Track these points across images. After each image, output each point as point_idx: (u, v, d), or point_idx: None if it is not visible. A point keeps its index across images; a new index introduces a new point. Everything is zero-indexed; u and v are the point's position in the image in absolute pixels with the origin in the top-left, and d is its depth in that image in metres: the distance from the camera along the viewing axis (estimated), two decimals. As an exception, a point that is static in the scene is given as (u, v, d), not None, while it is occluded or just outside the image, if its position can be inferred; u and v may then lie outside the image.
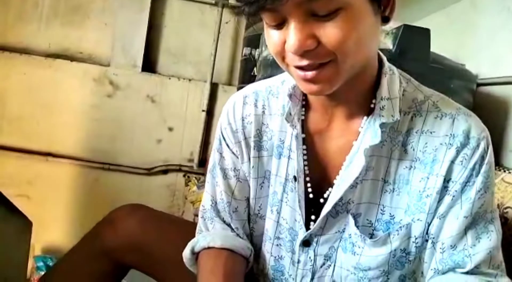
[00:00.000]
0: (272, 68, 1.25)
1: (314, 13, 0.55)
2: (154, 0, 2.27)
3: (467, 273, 0.66)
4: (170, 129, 2.31)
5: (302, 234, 0.75)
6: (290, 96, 0.73)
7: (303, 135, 0.75)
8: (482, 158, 0.66)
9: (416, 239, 0.70)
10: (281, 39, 0.59)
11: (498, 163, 1.23)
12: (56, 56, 2.23)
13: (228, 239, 0.80)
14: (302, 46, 0.56)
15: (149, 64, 2.33)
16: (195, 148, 2.33)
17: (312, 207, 0.75)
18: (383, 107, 0.68)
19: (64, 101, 2.22)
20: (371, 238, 0.71)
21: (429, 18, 1.78)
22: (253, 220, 0.83)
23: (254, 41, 1.65)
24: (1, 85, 2.18)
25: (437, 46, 1.21)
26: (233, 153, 0.81)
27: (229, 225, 0.83)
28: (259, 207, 0.82)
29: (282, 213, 0.78)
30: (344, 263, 0.74)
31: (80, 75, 2.22)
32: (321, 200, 0.74)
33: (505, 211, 1.04)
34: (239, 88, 0.91)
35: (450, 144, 0.67)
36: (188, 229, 0.90)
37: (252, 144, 0.79)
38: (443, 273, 0.68)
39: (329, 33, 0.56)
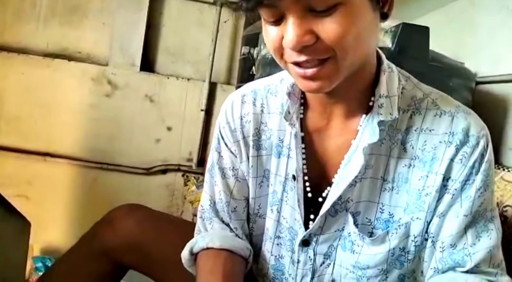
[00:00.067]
0: (271, 67, 1.25)
1: (312, 9, 0.55)
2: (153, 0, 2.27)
3: (467, 272, 0.66)
4: (169, 129, 2.31)
5: (301, 233, 0.74)
6: (289, 94, 0.72)
7: (302, 134, 0.75)
8: (482, 156, 0.66)
9: (415, 238, 0.69)
10: (279, 35, 0.59)
11: (497, 161, 1.23)
12: (54, 56, 2.23)
13: (227, 240, 0.79)
14: (300, 42, 0.56)
15: (148, 64, 2.32)
16: (194, 148, 2.32)
17: (311, 206, 0.75)
18: (381, 105, 0.67)
19: (62, 101, 2.21)
20: (370, 236, 0.70)
21: (428, 16, 1.78)
22: (253, 220, 0.83)
23: (253, 40, 1.65)
24: (-1, 85, 2.17)
25: (436, 45, 1.21)
26: (231, 152, 0.81)
27: (228, 225, 0.83)
28: (259, 206, 0.81)
29: (283, 212, 0.78)
30: (343, 261, 0.73)
31: (78, 75, 2.22)
32: (320, 199, 0.74)
33: (504, 209, 1.04)
34: (237, 88, 0.90)
35: (450, 142, 0.67)
36: (187, 229, 0.90)
37: (251, 143, 0.79)
38: (443, 272, 0.68)
39: (328, 28, 0.55)
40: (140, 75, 2.26)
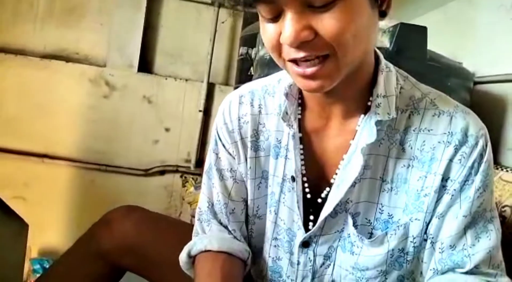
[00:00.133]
0: (269, 67, 1.25)
1: (310, 4, 0.54)
2: (150, 0, 2.27)
3: (466, 273, 0.66)
4: (167, 129, 2.31)
5: (301, 235, 0.74)
6: (286, 95, 0.72)
7: (300, 135, 0.74)
8: (481, 156, 0.66)
9: (414, 238, 0.69)
10: (277, 32, 0.58)
11: (496, 161, 1.23)
12: (52, 57, 2.22)
13: (225, 242, 0.79)
14: (298, 38, 0.55)
15: (146, 65, 2.32)
16: (192, 148, 2.32)
17: (310, 207, 0.75)
18: (379, 104, 0.67)
19: (60, 102, 2.21)
20: (370, 237, 0.70)
21: (426, 16, 1.78)
22: (252, 221, 0.82)
23: (251, 40, 1.65)
24: (-3, 87, 2.17)
25: (434, 44, 1.21)
26: (229, 153, 0.80)
27: (226, 227, 0.82)
28: (257, 207, 0.81)
29: (280, 213, 0.77)
30: (343, 262, 0.73)
31: (76, 76, 2.21)
32: (319, 200, 0.74)
33: (503, 209, 1.04)
34: (236, 88, 0.90)
35: (448, 142, 0.66)
36: (185, 231, 0.89)
37: (249, 144, 0.79)
38: (443, 273, 0.67)
39: (327, 24, 0.55)
40: (138, 76, 2.26)
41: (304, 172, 0.74)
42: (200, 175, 2.23)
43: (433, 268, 0.68)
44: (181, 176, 2.32)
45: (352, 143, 0.70)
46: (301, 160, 0.74)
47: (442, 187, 0.66)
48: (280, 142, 0.76)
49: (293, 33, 0.55)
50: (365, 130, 0.68)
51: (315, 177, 0.74)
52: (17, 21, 2.20)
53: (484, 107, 1.29)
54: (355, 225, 0.70)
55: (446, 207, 0.66)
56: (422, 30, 1.16)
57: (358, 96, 0.70)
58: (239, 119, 0.79)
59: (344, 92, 0.68)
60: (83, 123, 2.23)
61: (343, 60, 0.58)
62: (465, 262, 0.65)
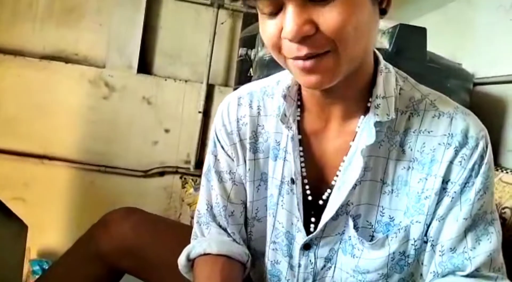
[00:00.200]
0: (268, 68, 1.24)
1: None
2: (150, 1, 2.26)
3: (467, 276, 0.65)
4: (167, 131, 2.30)
5: (301, 237, 0.73)
6: (285, 97, 0.71)
7: (299, 137, 0.74)
8: (481, 157, 0.65)
9: (415, 241, 0.68)
10: (278, 27, 0.57)
11: (496, 163, 1.22)
12: (51, 58, 2.22)
13: (224, 245, 0.78)
14: (300, 32, 0.54)
15: (145, 66, 2.31)
16: (191, 150, 2.31)
17: (311, 209, 0.74)
18: (378, 105, 0.66)
19: (59, 103, 2.20)
20: (371, 240, 0.70)
21: (425, 17, 1.78)
22: (251, 224, 0.82)
23: (250, 41, 1.64)
24: (-4, 88, 2.16)
25: (433, 46, 1.21)
26: (228, 155, 0.80)
27: (225, 230, 0.82)
28: (256, 210, 0.80)
29: (278, 216, 0.77)
30: (344, 265, 0.73)
31: (75, 77, 2.21)
32: (320, 202, 0.73)
33: (503, 211, 1.04)
34: (235, 89, 0.90)
35: (449, 144, 0.66)
36: (184, 233, 0.89)
37: (247, 146, 0.78)
38: (443, 276, 0.67)
39: (328, 18, 0.54)
40: (137, 77, 2.25)
41: (304, 174, 0.73)
42: (200, 176, 2.22)
43: (434, 271, 0.67)
44: (180, 177, 2.32)
45: (352, 145, 0.70)
46: (301, 162, 0.73)
47: (443, 189, 0.66)
48: (279, 144, 0.76)
49: (295, 27, 0.54)
50: (364, 131, 0.68)
51: (315, 179, 0.74)
52: (16, 22, 2.20)
53: (484, 108, 1.28)
54: (356, 228, 0.70)
55: (447, 210, 0.66)
56: (422, 31, 1.16)
57: (358, 97, 0.69)
58: (237, 121, 0.79)
59: (344, 93, 0.67)
60: (83, 124, 2.23)
61: (344, 56, 0.57)
62: (466, 265, 0.65)
